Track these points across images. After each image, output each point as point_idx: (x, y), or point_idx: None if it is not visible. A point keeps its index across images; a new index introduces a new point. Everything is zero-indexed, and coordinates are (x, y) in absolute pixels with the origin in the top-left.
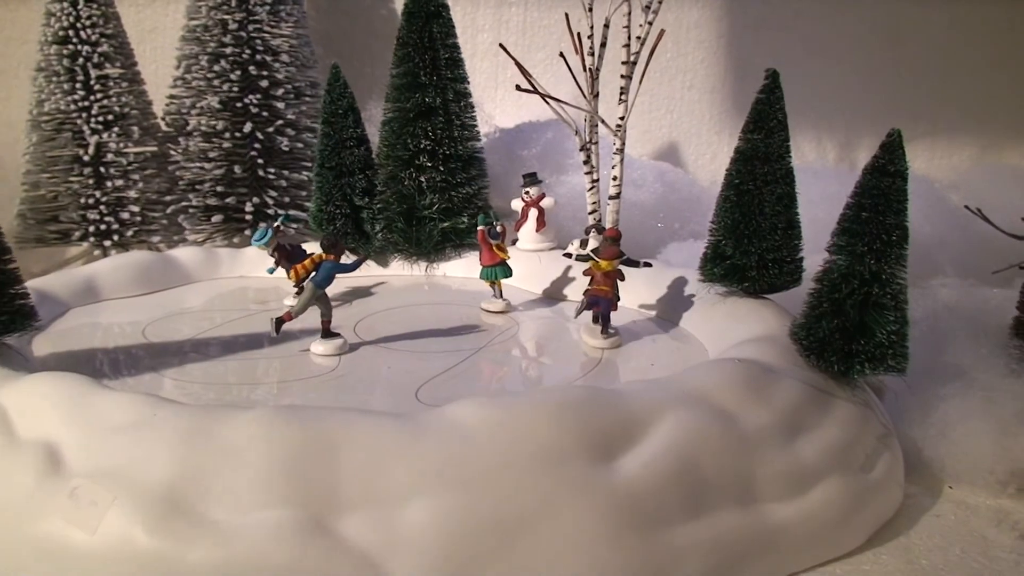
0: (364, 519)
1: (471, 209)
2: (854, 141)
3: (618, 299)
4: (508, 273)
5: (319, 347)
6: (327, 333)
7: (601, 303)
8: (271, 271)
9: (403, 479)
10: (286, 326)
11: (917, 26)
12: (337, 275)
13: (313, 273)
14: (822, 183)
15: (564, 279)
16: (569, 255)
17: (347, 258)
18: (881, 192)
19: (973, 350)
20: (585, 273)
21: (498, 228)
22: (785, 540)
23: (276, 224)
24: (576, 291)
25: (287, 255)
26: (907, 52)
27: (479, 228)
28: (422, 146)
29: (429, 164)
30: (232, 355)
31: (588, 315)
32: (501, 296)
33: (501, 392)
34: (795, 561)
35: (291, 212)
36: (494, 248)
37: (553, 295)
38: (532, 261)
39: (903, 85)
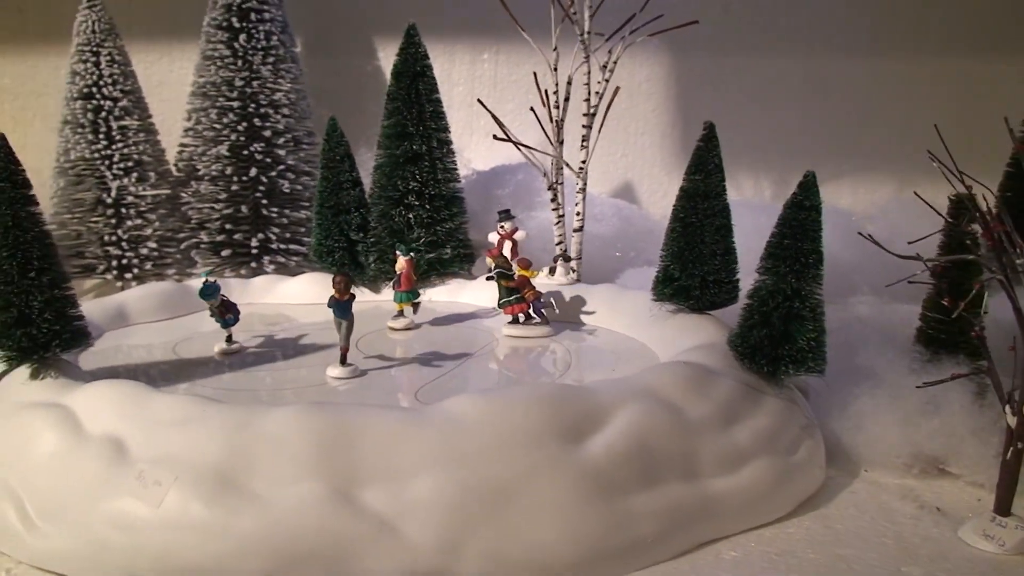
0: (380, 490)
1: (453, 242)
2: (788, 179)
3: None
4: (417, 296)
5: (334, 371)
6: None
7: (536, 303)
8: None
9: (411, 458)
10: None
11: (843, 77)
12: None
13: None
14: (759, 216)
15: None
16: (491, 278)
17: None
18: (799, 223)
19: (882, 355)
20: (514, 284)
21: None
22: (722, 508)
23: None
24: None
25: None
26: (834, 100)
27: (406, 258)
28: (410, 187)
29: (416, 203)
30: (253, 367)
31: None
32: (404, 315)
33: (488, 390)
34: (731, 525)
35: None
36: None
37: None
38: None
39: (831, 129)
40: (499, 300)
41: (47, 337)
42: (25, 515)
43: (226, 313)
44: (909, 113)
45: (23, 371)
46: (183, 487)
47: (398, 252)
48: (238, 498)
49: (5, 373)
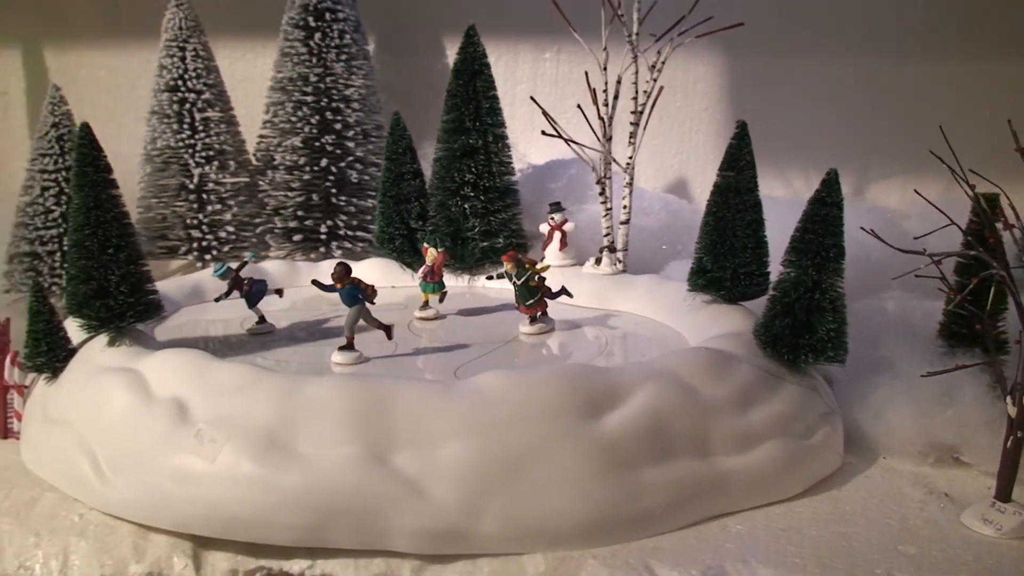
0: (412, 454)
1: (506, 231)
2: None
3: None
4: (444, 287)
5: (339, 357)
6: (350, 346)
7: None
8: (218, 300)
9: (440, 426)
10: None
11: (893, 78)
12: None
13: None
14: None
15: (579, 290)
16: (491, 277)
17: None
18: (821, 218)
19: (903, 347)
20: (536, 284)
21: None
22: (732, 484)
23: (243, 262)
24: (587, 299)
25: (239, 286)
26: (885, 100)
27: (441, 250)
28: (466, 179)
29: (472, 194)
30: (311, 342)
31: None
32: (430, 305)
33: (512, 368)
34: (740, 501)
35: (260, 252)
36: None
37: (570, 303)
38: (556, 275)
39: (881, 129)
40: (525, 302)
41: (123, 308)
42: (98, 467)
43: (239, 292)
44: (957, 114)
45: (101, 339)
46: (236, 446)
47: (427, 244)
48: (284, 457)
49: (86, 341)
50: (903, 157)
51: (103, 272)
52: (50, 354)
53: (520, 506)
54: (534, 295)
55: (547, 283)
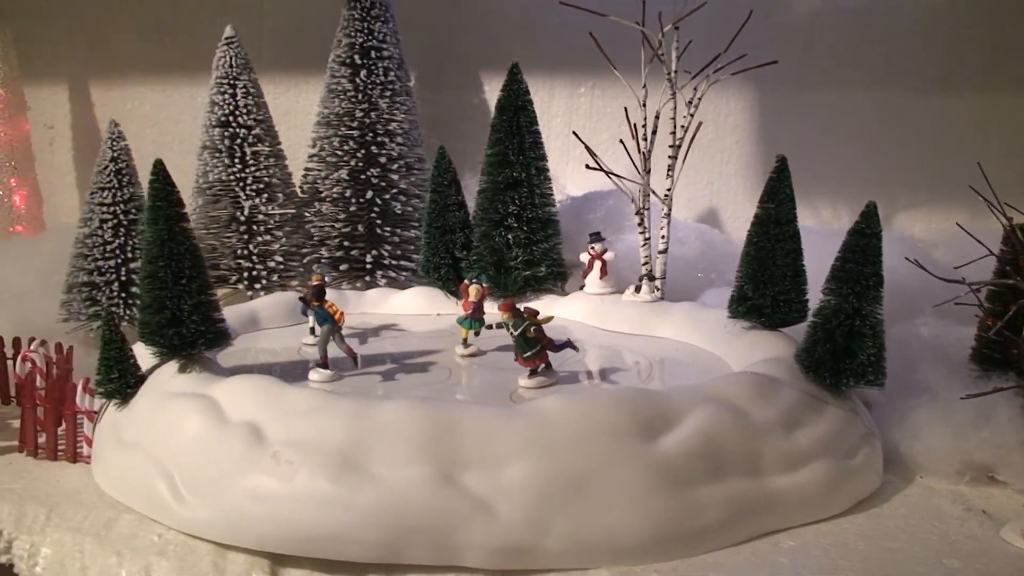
0: (479, 474)
1: (548, 261)
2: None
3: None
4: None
5: (315, 375)
6: (324, 365)
7: (554, 346)
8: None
9: (505, 448)
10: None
11: (917, 112)
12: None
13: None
14: (834, 242)
15: (619, 317)
16: (490, 327)
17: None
18: (861, 248)
19: (939, 371)
20: (535, 335)
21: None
22: (782, 503)
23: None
24: (628, 326)
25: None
26: (909, 133)
27: (484, 286)
28: (510, 210)
29: (515, 225)
30: (366, 368)
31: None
32: (469, 343)
33: (571, 391)
34: (790, 518)
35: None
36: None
37: (612, 329)
38: (596, 302)
39: (906, 161)
40: (523, 354)
41: (194, 336)
42: (175, 488)
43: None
44: (980, 147)
45: (171, 365)
46: (311, 466)
47: (468, 280)
48: (359, 477)
49: (156, 367)
50: (926, 188)
51: (176, 302)
52: (121, 381)
53: (584, 523)
54: (532, 347)
55: (555, 332)
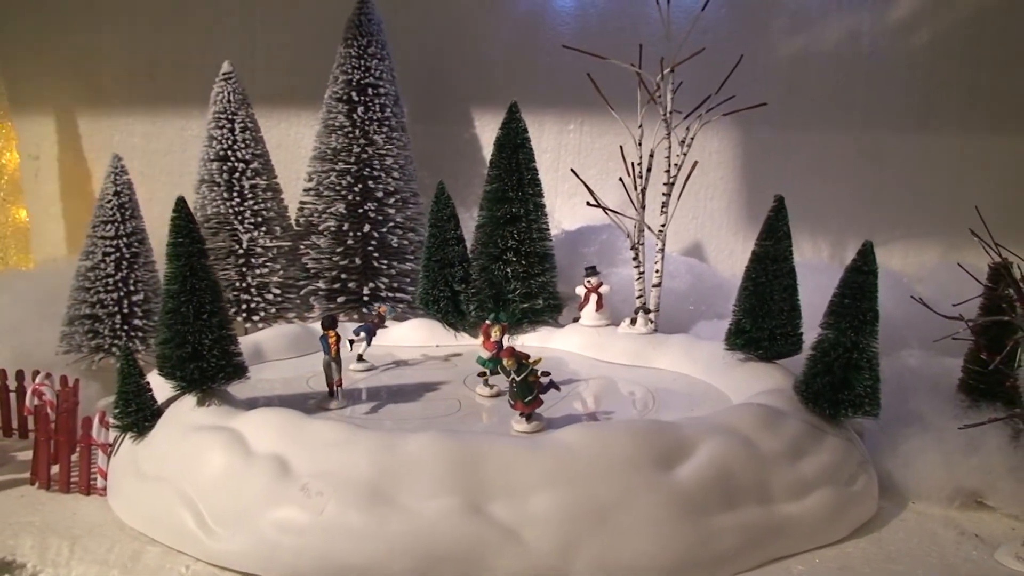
0: (505, 504)
1: (544, 294)
2: (844, 242)
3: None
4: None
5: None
6: (332, 393)
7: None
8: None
9: (529, 478)
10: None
11: (895, 151)
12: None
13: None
14: (818, 276)
15: (616, 349)
16: (485, 374)
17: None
18: (858, 285)
19: (929, 402)
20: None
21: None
22: (790, 529)
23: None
24: (625, 358)
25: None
26: (887, 172)
27: (503, 323)
28: (509, 245)
29: (514, 259)
30: (374, 399)
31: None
32: (489, 383)
33: (591, 423)
34: (798, 544)
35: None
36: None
37: (609, 360)
38: (592, 334)
39: (883, 198)
40: (523, 399)
41: (214, 370)
42: (202, 520)
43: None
44: (956, 185)
45: (189, 399)
46: (340, 498)
47: (489, 322)
48: (388, 508)
49: (171, 400)
50: (903, 224)
51: (197, 336)
52: (138, 414)
53: (609, 550)
54: (531, 391)
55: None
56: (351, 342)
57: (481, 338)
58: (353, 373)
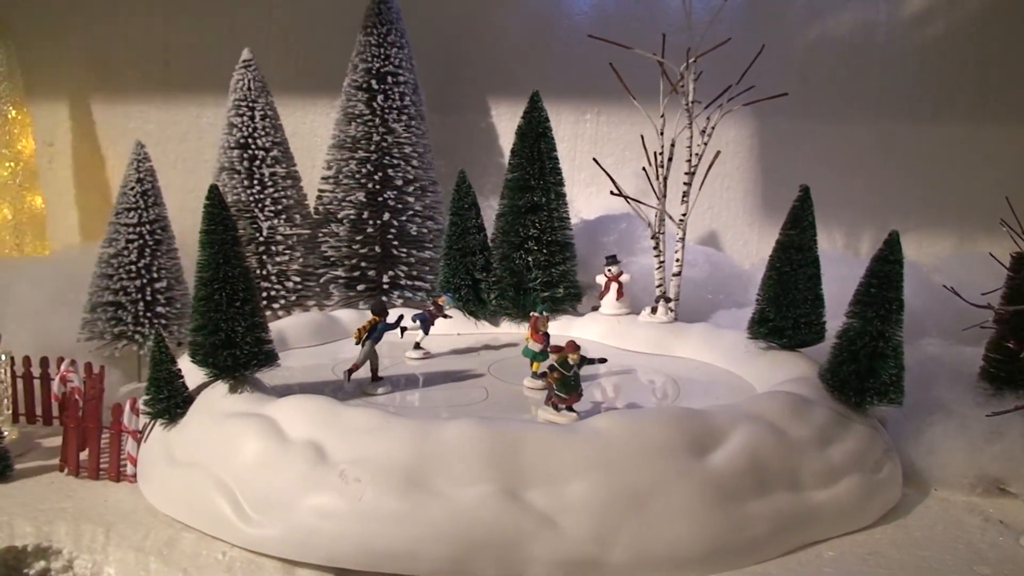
0: (541, 491)
1: (565, 282)
2: (858, 232)
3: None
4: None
5: (370, 389)
6: (375, 378)
7: None
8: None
9: (565, 465)
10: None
11: (909, 141)
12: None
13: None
14: (837, 266)
15: (637, 338)
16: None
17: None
18: (884, 275)
19: (951, 389)
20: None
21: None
22: (821, 515)
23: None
24: (646, 346)
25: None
26: (900, 162)
27: (546, 315)
28: (530, 233)
29: (535, 247)
30: (397, 389)
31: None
32: (537, 375)
33: (624, 410)
34: (828, 530)
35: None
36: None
37: (630, 349)
38: (612, 323)
39: (897, 188)
40: (575, 391)
41: (247, 358)
42: (239, 507)
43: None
44: (969, 176)
45: (221, 386)
46: (377, 484)
47: (539, 312)
48: (424, 494)
49: (202, 387)
50: (916, 213)
51: (231, 324)
52: (170, 401)
53: (644, 537)
54: (579, 384)
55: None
56: (403, 330)
57: (529, 331)
58: (408, 361)
